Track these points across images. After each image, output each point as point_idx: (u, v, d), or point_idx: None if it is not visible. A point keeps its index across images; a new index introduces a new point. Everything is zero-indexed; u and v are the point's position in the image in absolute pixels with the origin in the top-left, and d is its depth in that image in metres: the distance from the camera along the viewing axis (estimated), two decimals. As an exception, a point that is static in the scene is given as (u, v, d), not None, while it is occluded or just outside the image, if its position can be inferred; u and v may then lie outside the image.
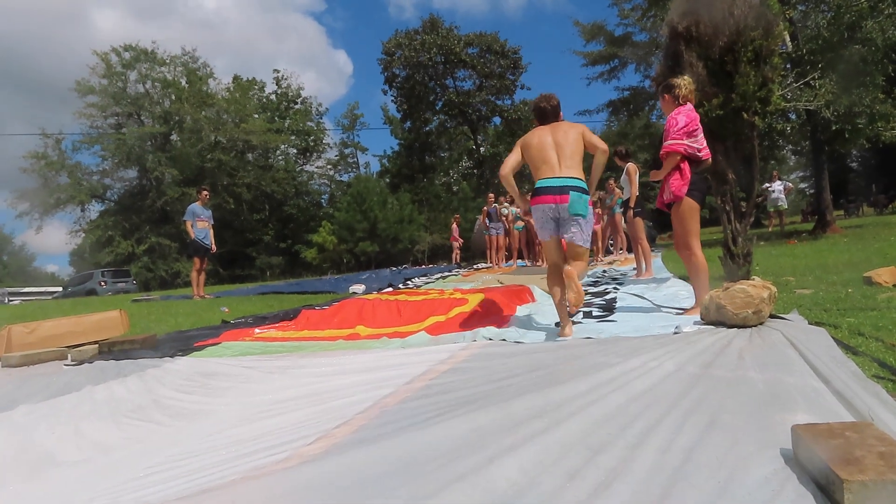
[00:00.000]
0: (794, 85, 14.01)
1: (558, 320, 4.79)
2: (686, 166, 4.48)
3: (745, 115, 5.66)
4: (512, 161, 4.29)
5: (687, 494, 1.63)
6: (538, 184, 4.15)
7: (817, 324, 3.70)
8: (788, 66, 14.90)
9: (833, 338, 3.26)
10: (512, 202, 14.64)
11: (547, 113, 4.40)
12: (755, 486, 1.63)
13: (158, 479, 2.21)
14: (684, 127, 4.46)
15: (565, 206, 4.05)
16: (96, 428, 3.07)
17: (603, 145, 4.23)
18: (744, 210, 5.95)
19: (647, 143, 26.89)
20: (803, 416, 2.08)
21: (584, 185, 4.13)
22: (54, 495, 2.27)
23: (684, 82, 4.68)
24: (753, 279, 4.21)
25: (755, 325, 3.80)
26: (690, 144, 4.46)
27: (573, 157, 4.17)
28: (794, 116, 16.63)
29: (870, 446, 1.57)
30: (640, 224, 8.34)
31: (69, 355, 5.28)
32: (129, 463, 2.53)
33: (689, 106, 4.60)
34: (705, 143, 4.54)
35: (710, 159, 4.62)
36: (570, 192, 4.04)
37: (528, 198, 4.29)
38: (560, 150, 4.17)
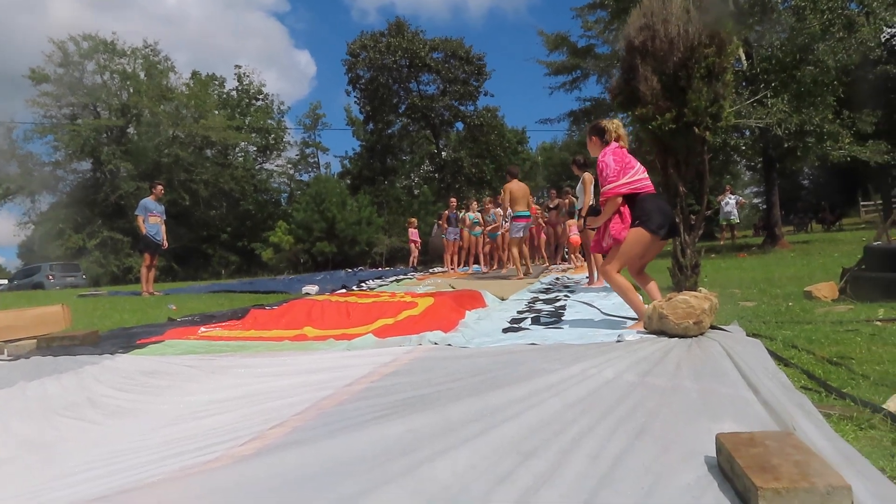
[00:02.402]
0: (748, 102, 14.38)
1: (506, 326, 4.85)
2: (626, 209, 4.46)
3: (697, 130, 5.77)
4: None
5: (611, 500, 1.65)
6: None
7: (755, 335, 3.79)
8: (744, 83, 15.31)
9: (768, 349, 3.35)
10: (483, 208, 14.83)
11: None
12: (677, 493, 1.66)
13: (84, 478, 2.15)
14: (615, 166, 4.46)
15: None
16: (26, 425, 2.95)
17: None
18: (693, 223, 6.07)
19: (607, 155, 27.32)
20: (731, 424, 2.13)
21: None
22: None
23: (614, 126, 4.72)
24: (700, 290, 4.31)
25: (696, 336, 3.89)
26: (630, 181, 4.44)
27: None
28: (747, 133, 17.08)
29: (787, 455, 1.61)
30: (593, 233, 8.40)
31: (5, 350, 5.10)
32: (57, 462, 2.45)
33: (615, 144, 4.61)
34: (643, 171, 4.52)
35: (653, 189, 4.61)
36: None
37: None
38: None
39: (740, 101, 14.12)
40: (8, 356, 4.97)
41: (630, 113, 6.26)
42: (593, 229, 4.84)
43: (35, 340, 5.27)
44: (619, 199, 4.45)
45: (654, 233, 4.34)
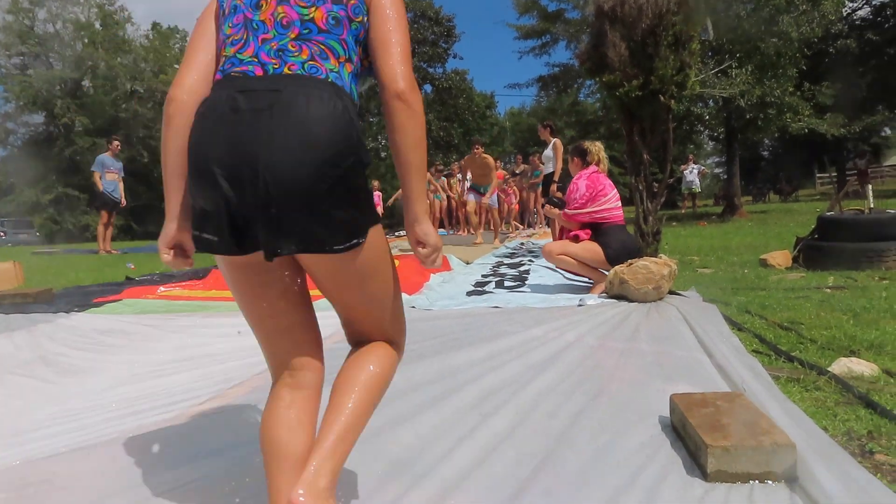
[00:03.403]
0: (712, 72, 14.49)
1: (470, 289, 4.87)
2: (584, 234, 4.60)
3: (663, 98, 5.79)
4: None
5: (567, 457, 1.69)
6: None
7: (711, 301, 3.88)
8: (709, 53, 15.39)
9: (723, 315, 3.43)
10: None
11: None
12: (631, 452, 1.71)
13: (36, 436, 2.12)
14: (585, 193, 4.57)
15: None
16: (-25, 383, 2.89)
17: None
18: (656, 190, 6.14)
19: (574, 121, 27.18)
20: (685, 386, 2.19)
21: None
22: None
23: (596, 148, 4.86)
24: (660, 257, 4.39)
25: (654, 300, 3.97)
26: (593, 212, 4.56)
27: None
28: (711, 103, 17.24)
29: (736, 415, 1.67)
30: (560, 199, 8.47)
31: (-46, 307, 4.95)
32: (7, 420, 2.40)
33: (592, 168, 4.73)
34: (616, 200, 4.63)
35: (622, 219, 4.72)
36: None
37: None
38: None
39: (705, 71, 14.21)
40: (-43, 314, 4.83)
41: (598, 79, 6.24)
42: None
43: (-14, 297, 5.13)
44: (575, 224, 4.65)
45: (607, 261, 4.45)
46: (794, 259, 5.66)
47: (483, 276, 5.95)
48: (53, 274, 7.21)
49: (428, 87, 39.93)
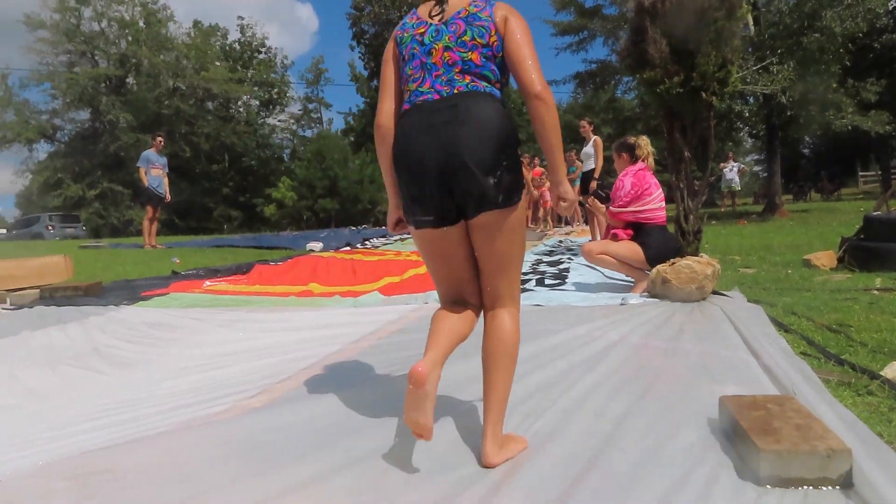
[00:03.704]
0: (754, 68, 14.21)
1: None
2: (624, 233, 4.55)
3: (704, 95, 5.71)
4: None
5: (615, 457, 1.70)
6: None
7: (755, 302, 3.83)
8: (750, 49, 15.09)
9: (768, 315, 3.39)
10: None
11: None
12: (680, 453, 1.70)
13: (90, 426, 2.17)
14: (630, 191, 4.50)
15: None
16: (31, 374, 2.99)
17: None
18: (697, 188, 6.06)
19: (611, 118, 26.95)
20: (732, 387, 2.17)
21: None
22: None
23: (644, 143, 4.74)
24: (701, 256, 4.34)
25: (698, 300, 3.93)
26: (637, 211, 4.50)
27: None
28: (752, 100, 16.91)
29: (788, 418, 1.65)
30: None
31: (8, 299, 5.13)
32: (63, 410, 2.48)
33: (640, 164, 4.63)
34: (660, 200, 4.55)
35: (664, 219, 4.65)
36: None
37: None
38: None
39: (746, 67, 13.95)
40: (11, 305, 5.01)
41: (638, 76, 6.18)
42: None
43: (38, 290, 5.30)
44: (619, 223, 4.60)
45: (647, 261, 4.39)
46: (840, 259, 5.54)
47: (522, 273, 5.94)
48: (101, 268, 7.42)
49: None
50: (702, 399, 2.09)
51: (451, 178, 1.67)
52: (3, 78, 34.37)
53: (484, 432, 1.72)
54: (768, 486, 1.46)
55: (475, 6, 1.79)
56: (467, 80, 1.73)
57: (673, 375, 2.46)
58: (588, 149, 8.59)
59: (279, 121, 45.21)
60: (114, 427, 2.14)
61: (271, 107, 44.17)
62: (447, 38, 1.77)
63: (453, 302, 1.95)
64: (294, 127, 46.04)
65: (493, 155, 1.66)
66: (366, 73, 40.01)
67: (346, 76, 44.98)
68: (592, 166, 8.48)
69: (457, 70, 1.74)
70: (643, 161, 4.66)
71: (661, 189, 4.59)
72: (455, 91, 1.73)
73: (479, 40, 1.75)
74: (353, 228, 18.35)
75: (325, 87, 45.64)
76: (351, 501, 1.49)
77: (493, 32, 1.75)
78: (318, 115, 46.72)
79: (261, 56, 43.61)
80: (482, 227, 1.75)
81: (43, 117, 35.70)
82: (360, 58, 39.62)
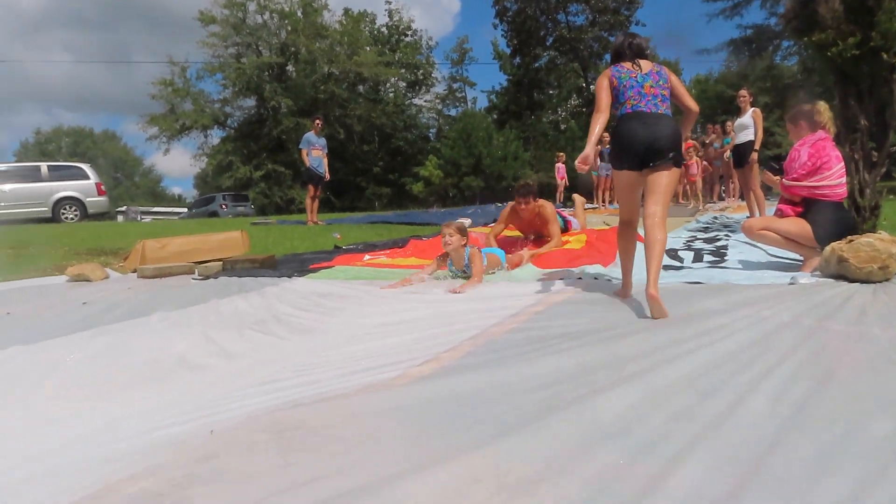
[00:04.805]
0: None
1: (666, 263, 4.71)
2: (790, 210, 4.27)
3: (885, 56, 5.15)
4: None
5: (799, 444, 1.60)
6: None
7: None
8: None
9: (972, 299, 3.02)
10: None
11: None
12: (873, 444, 1.57)
13: (278, 386, 2.37)
14: (807, 162, 4.12)
15: None
16: (223, 337, 3.33)
17: None
18: (875, 160, 5.50)
19: (769, 87, 24.84)
20: (931, 377, 1.98)
21: None
22: (184, 395, 2.50)
23: (824, 108, 4.30)
24: (880, 234, 3.93)
25: (880, 281, 3.59)
26: (813, 186, 4.13)
27: None
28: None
29: None
30: (756, 171, 7.89)
31: (196, 270, 5.71)
32: (252, 370, 2.74)
33: (820, 133, 4.21)
34: (840, 175, 4.15)
35: (843, 196, 4.29)
36: None
37: None
38: None
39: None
40: (199, 276, 5.56)
41: (806, 39, 5.67)
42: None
43: (220, 263, 5.85)
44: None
45: (817, 241, 4.06)
46: None
47: (675, 249, 5.70)
48: (272, 242, 8.04)
49: (608, 57, 38.45)
50: (895, 387, 1.92)
51: (652, 147, 3.22)
52: (182, 71, 37.74)
53: (648, 279, 3.05)
54: None
55: (657, 67, 3.38)
56: (664, 107, 3.31)
57: (859, 361, 2.28)
58: (745, 119, 8.08)
59: (425, 101, 46.16)
60: (300, 387, 2.30)
61: (417, 88, 45.15)
62: (650, 80, 3.31)
63: (626, 223, 3.63)
64: (440, 107, 46.83)
65: (673, 139, 3.25)
66: (508, 51, 39.77)
67: (489, 55, 44.96)
68: (750, 138, 7.99)
69: (659, 99, 3.30)
70: (823, 129, 4.26)
71: (842, 162, 4.18)
72: (658, 112, 3.29)
73: (664, 84, 3.34)
74: (499, 205, 18.44)
75: (469, 66, 45.95)
76: (523, 465, 1.52)
77: (668, 83, 3.37)
78: (463, 94, 47.19)
79: (407, 39, 44.60)
80: (656, 175, 3.27)
81: (216, 105, 38.83)
82: (502, 35, 39.45)
